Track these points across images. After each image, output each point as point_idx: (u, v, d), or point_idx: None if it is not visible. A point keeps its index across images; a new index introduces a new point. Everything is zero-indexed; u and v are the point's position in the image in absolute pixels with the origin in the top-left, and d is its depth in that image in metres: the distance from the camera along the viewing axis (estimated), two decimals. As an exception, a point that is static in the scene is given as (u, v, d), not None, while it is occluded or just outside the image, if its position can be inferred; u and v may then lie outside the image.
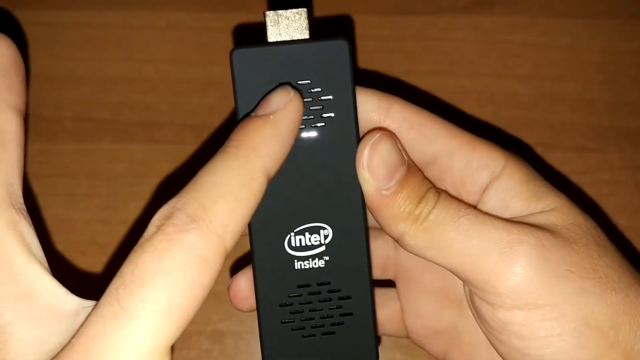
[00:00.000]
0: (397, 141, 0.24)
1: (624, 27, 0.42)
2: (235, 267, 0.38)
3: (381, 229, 0.25)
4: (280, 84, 0.24)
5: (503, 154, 0.25)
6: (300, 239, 0.25)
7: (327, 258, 0.25)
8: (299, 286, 0.25)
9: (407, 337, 0.31)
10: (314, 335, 0.26)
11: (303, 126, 0.25)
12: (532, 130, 0.41)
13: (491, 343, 0.25)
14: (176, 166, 0.40)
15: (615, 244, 0.25)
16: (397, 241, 0.25)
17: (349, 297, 0.26)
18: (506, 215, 0.25)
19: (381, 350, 0.38)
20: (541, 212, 0.24)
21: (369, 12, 0.42)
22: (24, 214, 0.21)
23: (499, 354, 0.24)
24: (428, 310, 0.29)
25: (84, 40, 0.42)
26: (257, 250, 0.25)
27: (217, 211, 0.20)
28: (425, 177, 0.25)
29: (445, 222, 0.23)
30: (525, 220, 0.24)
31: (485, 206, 0.25)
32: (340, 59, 0.24)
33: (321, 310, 0.26)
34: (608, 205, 0.40)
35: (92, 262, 0.39)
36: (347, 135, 0.25)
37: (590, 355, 0.22)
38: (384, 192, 0.24)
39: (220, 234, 0.20)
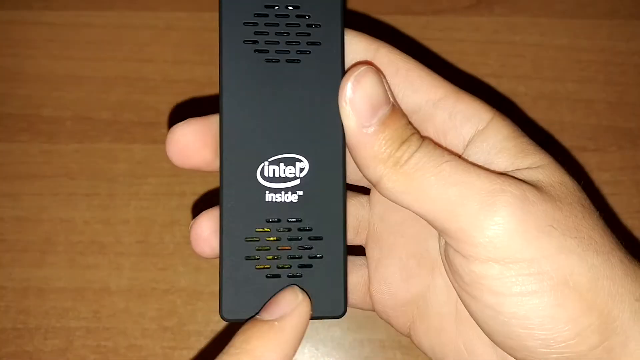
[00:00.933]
0: (383, 78, 0.23)
1: (624, 27, 0.42)
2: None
3: (354, 189, 0.24)
4: (287, 288, 0.23)
5: (489, 109, 0.24)
6: (274, 169, 0.24)
7: (300, 193, 0.24)
8: (268, 220, 0.24)
9: (372, 309, 0.29)
10: (279, 276, 0.24)
11: (288, 50, 0.24)
12: (532, 130, 0.41)
13: (463, 302, 0.24)
14: (176, 166, 0.40)
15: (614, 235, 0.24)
16: (374, 184, 0.23)
17: (320, 238, 0.24)
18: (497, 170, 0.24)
19: (381, 349, 0.38)
20: (527, 168, 0.23)
21: (369, 12, 0.42)
22: None
23: (471, 314, 0.24)
24: (397, 277, 0.28)
25: (84, 40, 0.42)
26: (226, 176, 0.24)
27: None
28: (410, 123, 0.24)
29: (426, 167, 0.22)
30: (511, 174, 0.23)
31: (468, 160, 0.24)
32: None
33: (289, 249, 0.24)
34: (599, 208, 0.40)
35: (92, 262, 0.39)
36: (332, 66, 0.24)
37: (566, 315, 0.21)
38: (365, 130, 0.23)
39: None
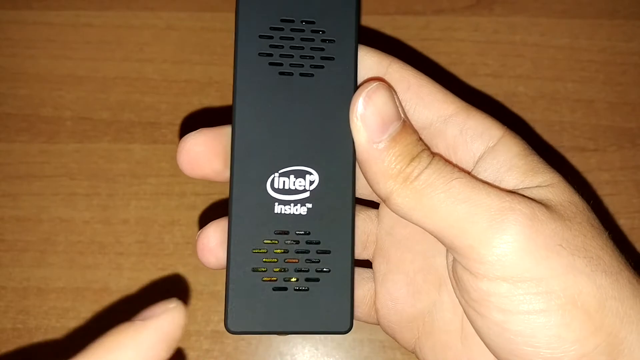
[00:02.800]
0: (394, 94, 0.23)
1: (624, 27, 0.42)
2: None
3: (363, 203, 0.24)
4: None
5: (500, 126, 0.25)
6: (284, 182, 0.24)
7: (310, 206, 0.24)
8: (276, 232, 0.24)
9: (377, 323, 0.29)
10: (286, 289, 0.24)
11: (302, 64, 0.24)
12: (532, 130, 0.41)
13: (469, 318, 0.24)
14: (176, 166, 0.40)
15: (616, 244, 0.24)
16: (384, 200, 0.23)
17: (328, 252, 0.24)
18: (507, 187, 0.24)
19: (381, 349, 0.38)
20: (537, 186, 0.23)
21: (369, 12, 0.42)
22: None
23: (477, 330, 0.23)
24: (403, 293, 0.28)
25: (84, 40, 0.42)
26: (236, 186, 0.24)
27: None
28: (421, 139, 0.24)
29: (436, 184, 0.22)
30: (520, 192, 0.23)
31: (478, 177, 0.24)
32: (347, 3, 0.24)
33: (297, 262, 0.24)
34: (608, 205, 0.40)
35: (92, 262, 0.39)
36: (345, 81, 0.24)
37: (573, 336, 0.21)
38: (376, 146, 0.23)
39: None
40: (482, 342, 0.24)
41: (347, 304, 0.24)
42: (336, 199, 0.24)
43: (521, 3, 0.43)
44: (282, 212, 0.24)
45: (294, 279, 0.24)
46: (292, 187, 0.24)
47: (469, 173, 0.24)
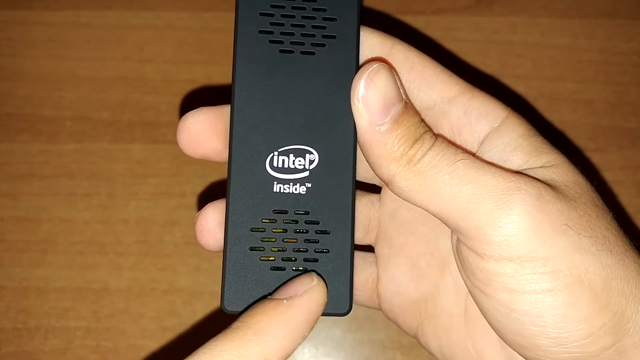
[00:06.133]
0: (395, 75, 0.23)
1: (624, 27, 0.42)
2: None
3: (365, 187, 0.23)
4: (304, 274, 0.23)
5: (504, 107, 0.24)
6: (283, 160, 0.24)
7: (309, 185, 0.24)
8: (275, 211, 0.23)
9: (378, 308, 0.29)
10: (284, 269, 0.23)
11: (302, 42, 0.24)
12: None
13: (475, 299, 0.24)
14: (176, 166, 0.40)
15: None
16: (387, 183, 0.23)
17: (327, 232, 0.23)
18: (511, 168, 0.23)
19: (381, 349, 0.38)
20: (541, 167, 0.23)
21: (369, 12, 0.42)
22: None
23: (483, 311, 0.23)
24: (407, 277, 0.27)
25: (84, 40, 0.42)
26: (235, 164, 0.23)
27: None
28: (423, 121, 0.23)
29: (439, 165, 0.22)
30: (525, 173, 0.23)
31: (483, 157, 0.24)
32: None
33: (295, 242, 0.23)
34: (608, 206, 0.40)
35: (92, 262, 0.39)
36: (346, 60, 0.24)
37: (580, 315, 0.21)
38: (378, 128, 0.22)
39: None
40: (486, 325, 0.24)
41: (347, 286, 0.24)
42: (336, 179, 0.24)
43: (521, 3, 0.43)
44: (281, 191, 0.23)
45: (292, 259, 0.23)
46: (292, 166, 0.24)
47: (473, 154, 0.24)
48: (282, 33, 0.24)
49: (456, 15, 0.42)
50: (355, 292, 0.28)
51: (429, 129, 0.23)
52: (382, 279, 0.28)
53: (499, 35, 0.42)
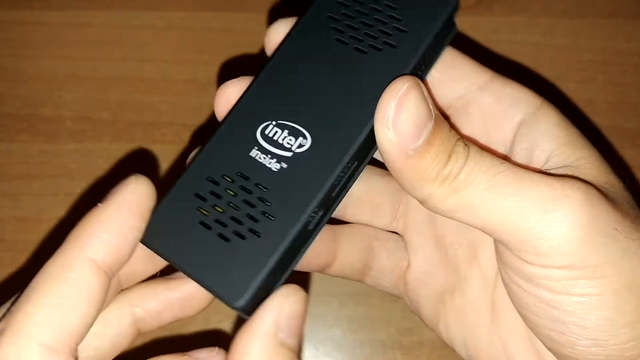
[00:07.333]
0: (423, 89, 0.21)
1: (624, 27, 0.42)
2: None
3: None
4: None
5: (537, 95, 0.24)
6: (276, 132, 0.23)
7: (285, 166, 0.22)
8: (238, 173, 0.22)
9: (400, 296, 0.28)
10: (210, 229, 0.22)
11: (362, 39, 0.24)
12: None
13: (511, 292, 0.23)
14: (176, 166, 0.40)
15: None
16: (422, 203, 0.22)
17: (271, 217, 0.22)
18: (540, 157, 0.23)
19: (381, 349, 0.38)
20: (577, 160, 0.22)
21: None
22: None
23: (518, 305, 0.23)
24: (437, 267, 0.27)
25: (84, 40, 0.42)
26: (233, 115, 0.24)
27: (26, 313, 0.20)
28: (451, 125, 0.22)
29: (477, 181, 0.21)
30: (563, 171, 0.22)
31: (517, 146, 0.23)
32: (440, 6, 0.24)
33: (238, 210, 0.22)
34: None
35: (92, 262, 0.39)
36: (393, 72, 0.23)
37: (625, 320, 0.20)
38: (410, 153, 0.21)
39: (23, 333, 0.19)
40: (514, 318, 0.23)
41: (254, 279, 0.21)
42: (314, 174, 0.22)
43: (521, 3, 0.43)
44: (256, 157, 0.23)
45: (224, 224, 0.22)
46: (280, 141, 0.23)
47: (507, 158, 0.23)
48: (347, 25, 0.24)
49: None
50: (383, 275, 0.28)
51: (459, 134, 0.22)
52: (412, 267, 0.27)
53: (499, 35, 0.42)
